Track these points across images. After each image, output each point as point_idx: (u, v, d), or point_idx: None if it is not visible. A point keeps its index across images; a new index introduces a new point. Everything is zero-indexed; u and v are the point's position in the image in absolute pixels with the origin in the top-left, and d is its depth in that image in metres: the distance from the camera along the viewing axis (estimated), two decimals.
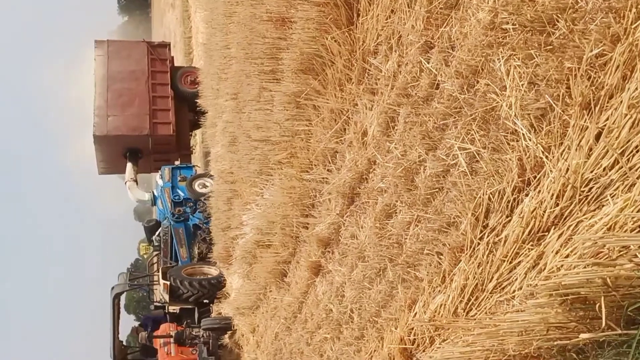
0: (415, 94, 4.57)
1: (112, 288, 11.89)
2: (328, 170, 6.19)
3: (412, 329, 4.46)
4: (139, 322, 12.48)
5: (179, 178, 13.61)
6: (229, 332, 10.18)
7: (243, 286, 9.44)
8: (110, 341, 11.35)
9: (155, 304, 12.70)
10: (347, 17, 5.73)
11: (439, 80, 4.32)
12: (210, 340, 10.03)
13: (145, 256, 13.04)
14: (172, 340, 10.56)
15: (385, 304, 5.00)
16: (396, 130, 4.85)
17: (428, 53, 4.49)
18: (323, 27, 5.89)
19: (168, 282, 10.92)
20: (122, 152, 15.58)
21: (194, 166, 15.21)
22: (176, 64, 17.92)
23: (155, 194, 14.03)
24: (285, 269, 7.73)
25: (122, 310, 12.45)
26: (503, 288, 3.55)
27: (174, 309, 12.46)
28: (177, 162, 15.64)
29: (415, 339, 4.35)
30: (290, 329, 7.35)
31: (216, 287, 11.02)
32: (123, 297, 12.77)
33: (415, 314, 4.42)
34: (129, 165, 15.39)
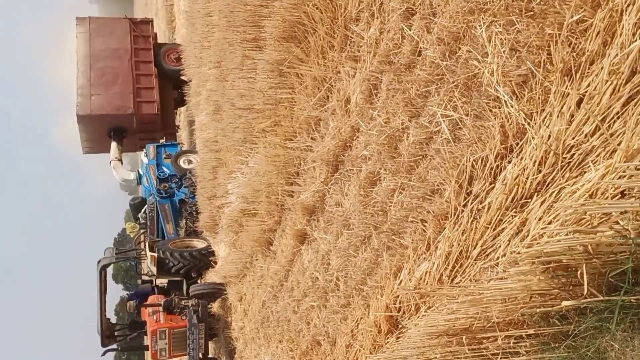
0: (398, 61, 4.52)
1: (99, 261, 11.84)
2: (312, 138, 6.16)
3: (398, 296, 4.50)
4: (127, 293, 12.37)
5: (164, 155, 13.47)
6: (220, 299, 10.24)
7: (229, 255, 9.47)
8: (97, 316, 11.30)
9: (143, 277, 12.68)
10: None
11: (421, 47, 4.27)
12: (200, 308, 10.09)
13: (132, 235, 12.91)
14: (160, 308, 10.57)
15: (371, 272, 5.03)
16: (379, 97, 4.81)
17: (410, 20, 4.43)
18: None
19: (155, 255, 10.90)
20: (106, 131, 15.30)
21: (179, 144, 15.05)
22: (158, 31, 17.59)
23: (141, 172, 13.87)
24: (271, 238, 7.75)
25: (110, 280, 12.32)
26: (487, 255, 3.58)
27: (162, 282, 12.48)
28: (162, 141, 15.42)
29: (400, 306, 4.40)
30: (277, 297, 7.40)
31: (204, 258, 11.04)
32: (110, 270, 12.62)
33: (401, 281, 4.45)
34: (114, 144, 15.13)
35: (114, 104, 14.91)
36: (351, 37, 5.27)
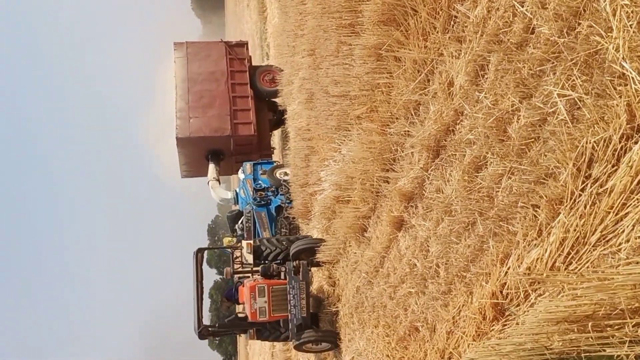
0: (508, 39, 4.36)
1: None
2: (411, 123, 6.08)
3: (505, 283, 4.37)
4: (220, 277, 12.40)
5: (260, 171, 13.58)
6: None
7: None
8: (194, 310, 10.70)
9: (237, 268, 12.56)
10: None
11: (534, 25, 4.10)
12: (301, 268, 9.59)
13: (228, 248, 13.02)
14: (258, 275, 10.42)
15: (475, 259, 4.91)
16: (486, 78, 4.67)
17: None
18: None
19: (251, 241, 10.99)
20: (204, 154, 15.61)
21: (275, 162, 15.13)
22: (249, 23, 17.86)
23: (237, 190, 14.02)
24: (365, 224, 7.74)
25: (204, 265, 12.39)
26: (607, 241, 3.40)
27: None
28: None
29: (508, 293, 4.26)
30: (372, 283, 7.39)
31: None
32: (204, 255, 12.76)
33: (509, 268, 4.32)
34: (211, 165, 15.42)
35: (212, 126, 15.21)
36: (456, 17, 5.14)
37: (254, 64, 17.46)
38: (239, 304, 11.43)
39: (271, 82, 15.69)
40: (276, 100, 15.54)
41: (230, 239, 12.76)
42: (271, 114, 16.29)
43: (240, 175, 13.91)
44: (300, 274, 9.56)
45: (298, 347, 9.88)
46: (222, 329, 11.29)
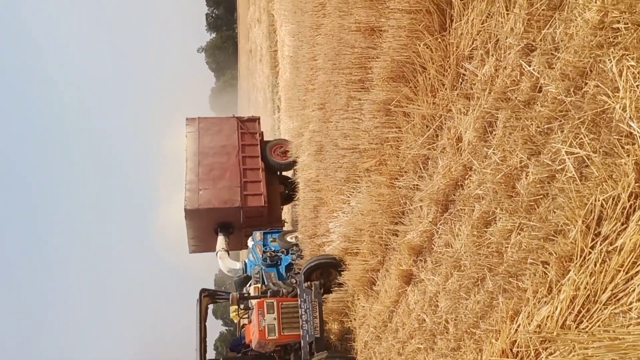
0: (516, 97, 4.44)
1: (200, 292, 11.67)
2: (420, 177, 6.12)
3: (515, 341, 4.31)
4: (226, 329, 12.03)
5: (270, 239, 13.29)
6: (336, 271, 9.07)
7: (331, 294, 9.44)
8: (196, 354, 10.32)
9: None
10: (439, 24, 5.65)
11: (542, 83, 4.18)
12: (313, 289, 8.90)
13: (235, 320, 12.58)
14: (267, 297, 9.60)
15: (484, 315, 4.86)
16: (494, 135, 4.73)
17: (529, 56, 4.35)
18: (415, 34, 5.84)
19: (259, 285, 10.69)
20: (213, 226, 15.30)
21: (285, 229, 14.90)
22: (261, 77, 18.11)
23: (247, 261, 13.69)
24: (373, 277, 7.68)
25: (210, 316, 12.12)
26: (618, 300, 3.37)
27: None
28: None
29: (518, 351, 4.20)
30: (380, 338, 7.28)
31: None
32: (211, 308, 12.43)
33: (519, 325, 4.27)
34: (220, 237, 15.10)
35: (221, 198, 14.95)
36: (464, 74, 5.24)
37: (265, 123, 17.39)
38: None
39: (283, 155, 15.59)
40: (288, 175, 15.53)
41: (236, 314, 12.10)
42: (282, 187, 16.19)
43: (250, 242, 13.57)
44: (312, 294, 8.96)
45: None
46: None
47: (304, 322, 8.75)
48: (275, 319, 9.03)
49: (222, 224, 15.09)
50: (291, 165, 14.70)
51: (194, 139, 15.86)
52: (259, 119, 17.04)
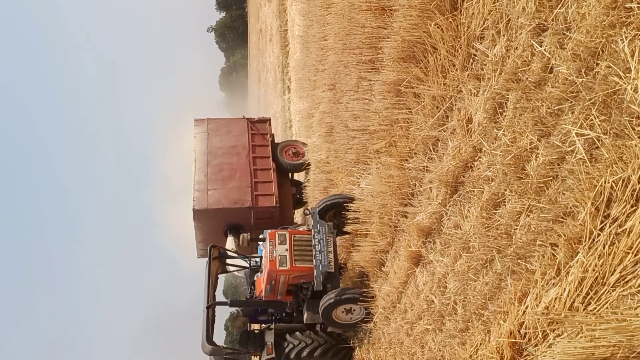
0: (526, 78, 4.39)
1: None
2: (429, 158, 6.10)
3: (523, 322, 4.32)
4: (237, 310, 11.64)
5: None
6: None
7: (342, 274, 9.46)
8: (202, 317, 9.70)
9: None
10: (450, 3, 5.59)
11: (553, 64, 4.13)
12: (328, 223, 8.57)
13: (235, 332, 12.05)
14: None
15: (492, 297, 4.87)
16: (505, 116, 4.69)
17: (540, 36, 4.29)
18: (425, 14, 5.78)
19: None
20: (222, 228, 14.81)
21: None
22: (271, 57, 17.86)
23: (259, 248, 13.46)
24: (383, 259, 7.71)
25: (220, 294, 11.87)
26: (627, 282, 3.36)
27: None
28: None
29: (526, 332, 4.21)
30: (389, 319, 7.32)
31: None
32: (220, 285, 12.09)
33: (527, 307, 4.27)
34: (230, 238, 14.58)
35: (231, 198, 14.55)
36: (475, 55, 5.19)
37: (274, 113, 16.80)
38: (254, 322, 10.71)
39: (294, 156, 15.31)
40: (300, 180, 15.29)
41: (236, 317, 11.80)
42: (294, 189, 15.95)
43: (262, 236, 13.31)
44: (327, 227, 8.72)
45: (327, 316, 8.49)
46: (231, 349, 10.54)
47: (317, 252, 8.47)
48: (287, 250, 8.71)
49: (231, 225, 14.61)
50: (303, 166, 14.54)
51: (202, 140, 15.50)
52: (269, 120, 16.66)
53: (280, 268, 8.61)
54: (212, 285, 10.38)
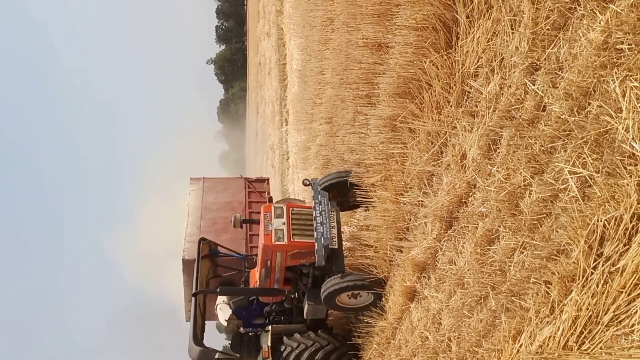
0: (520, 116, 4.44)
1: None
2: (424, 193, 6.12)
3: None
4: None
5: None
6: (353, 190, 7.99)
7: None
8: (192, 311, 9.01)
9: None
10: (445, 41, 5.68)
11: (545, 102, 4.18)
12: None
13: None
14: None
15: (487, 334, 4.83)
16: (498, 153, 4.73)
17: (533, 75, 4.36)
18: (421, 51, 5.87)
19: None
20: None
21: None
22: (270, 90, 17.95)
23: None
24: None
25: None
26: (620, 321, 3.34)
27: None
28: None
29: None
30: (384, 355, 7.25)
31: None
32: None
33: (521, 345, 4.23)
34: (220, 302, 12.91)
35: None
36: (469, 92, 5.25)
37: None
38: (247, 326, 9.82)
39: None
40: None
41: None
42: None
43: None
44: (329, 201, 7.96)
45: (329, 300, 7.72)
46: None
47: (318, 224, 7.65)
48: (284, 223, 7.83)
49: (223, 280, 13.39)
50: None
51: (197, 197, 15.07)
52: (267, 179, 16.43)
53: (277, 243, 7.69)
54: (200, 281, 9.68)
